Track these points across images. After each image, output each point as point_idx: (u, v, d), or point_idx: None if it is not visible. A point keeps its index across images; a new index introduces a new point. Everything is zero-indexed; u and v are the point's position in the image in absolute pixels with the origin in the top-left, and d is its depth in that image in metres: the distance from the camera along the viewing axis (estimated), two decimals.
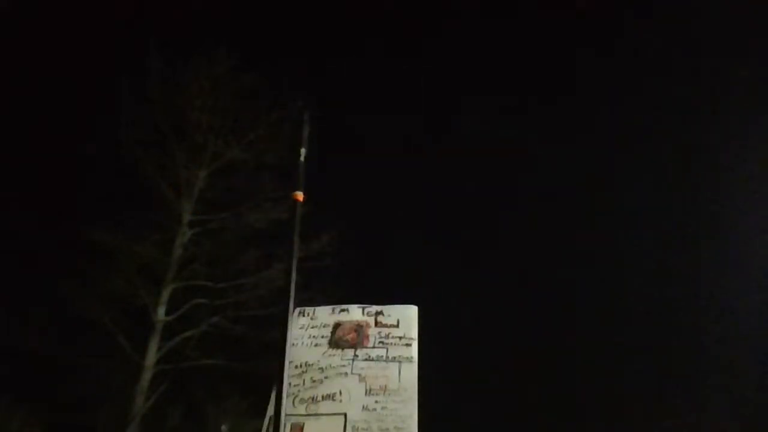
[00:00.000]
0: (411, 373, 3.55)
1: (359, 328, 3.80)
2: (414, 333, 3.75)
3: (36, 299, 12.28)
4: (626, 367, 20.34)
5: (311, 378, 3.59)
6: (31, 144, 14.29)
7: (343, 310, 3.93)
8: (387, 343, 3.70)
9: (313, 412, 3.44)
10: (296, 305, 3.49)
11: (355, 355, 3.66)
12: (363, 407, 3.41)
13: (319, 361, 3.67)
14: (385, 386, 3.48)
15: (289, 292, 3.07)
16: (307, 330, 3.84)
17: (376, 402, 3.42)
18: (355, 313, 3.90)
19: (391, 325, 3.79)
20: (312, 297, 11.37)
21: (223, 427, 13.82)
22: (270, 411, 3.27)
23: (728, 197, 19.67)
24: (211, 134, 13.42)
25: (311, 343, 3.78)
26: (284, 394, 2.85)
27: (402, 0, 29.04)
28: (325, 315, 3.93)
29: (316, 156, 3.84)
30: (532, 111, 27.54)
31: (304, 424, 3.40)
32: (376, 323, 3.82)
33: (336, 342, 3.76)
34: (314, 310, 3.98)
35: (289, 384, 3.43)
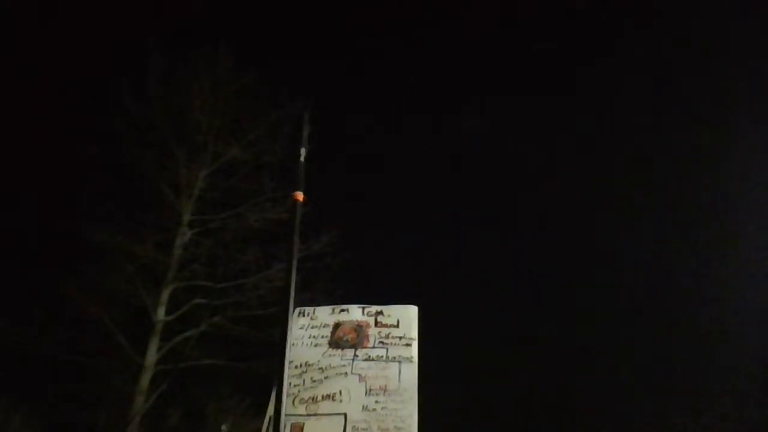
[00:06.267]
0: (411, 373, 3.55)
1: (359, 328, 3.80)
2: (414, 333, 3.75)
3: (36, 299, 12.27)
4: (627, 367, 20.34)
5: (311, 378, 3.59)
6: (31, 144, 14.30)
7: (343, 310, 3.93)
8: (387, 343, 3.70)
9: (313, 412, 3.44)
10: (296, 305, 3.49)
11: (355, 355, 3.66)
12: (363, 407, 3.41)
13: (319, 361, 3.67)
14: (385, 386, 3.48)
15: (289, 292, 3.08)
16: (307, 330, 3.84)
17: (376, 402, 3.42)
18: (355, 313, 3.90)
19: (391, 325, 3.79)
20: (312, 297, 11.40)
21: (223, 427, 13.80)
22: (270, 411, 3.27)
23: (729, 198, 19.67)
24: (211, 134, 13.41)
25: (311, 343, 3.78)
26: (284, 394, 2.85)
27: (403, 0, 29.07)
28: (325, 315, 3.93)
29: (316, 156, 3.84)
30: (532, 111, 27.54)
31: (304, 424, 3.40)
32: (376, 323, 3.82)
33: (336, 342, 3.76)
34: (314, 310, 3.98)
35: (289, 384, 3.43)
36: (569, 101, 27.43)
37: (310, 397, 3.50)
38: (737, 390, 17.84)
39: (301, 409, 3.46)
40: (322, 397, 3.49)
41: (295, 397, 3.51)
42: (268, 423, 3.34)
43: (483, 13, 27.55)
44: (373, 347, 3.69)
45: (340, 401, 3.46)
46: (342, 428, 3.34)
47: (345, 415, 3.39)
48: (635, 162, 25.73)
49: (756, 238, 18.24)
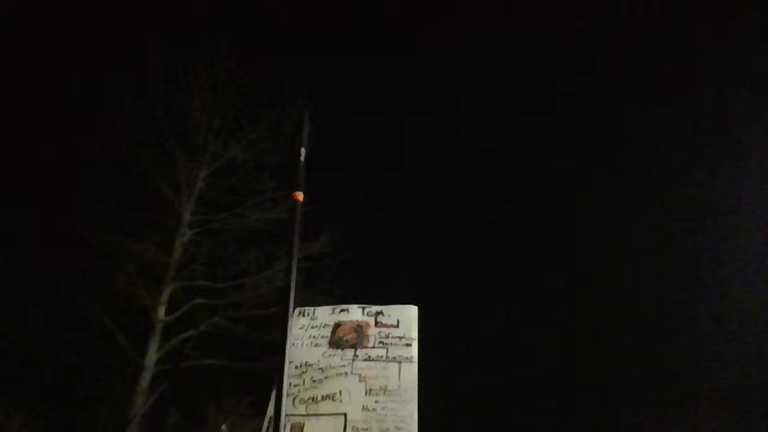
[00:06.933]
0: (411, 373, 3.54)
1: (359, 328, 3.80)
2: (414, 333, 3.74)
3: (36, 299, 12.27)
4: (627, 367, 20.34)
5: (311, 378, 3.59)
6: (31, 143, 14.29)
7: (343, 310, 3.93)
8: (387, 343, 3.69)
9: (313, 412, 3.44)
10: (296, 305, 3.49)
11: (355, 355, 3.65)
12: (363, 407, 3.41)
13: (319, 361, 3.67)
14: (385, 386, 3.48)
15: (289, 292, 3.07)
16: (307, 330, 3.84)
17: (376, 402, 3.42)
18: (355, 313, 3.90)
19: (391, 325, 3.78)
20: (312, 297, 11.40)
21: (223, 427, 13.81)
22: (270, 411, 3.27)
23: (730, 198, 19.67)
24: (211, 134, 13.42)
25: (311, 343, 3.77)
26: (284, 394, 2.85)
27: (403, 0, 29.08)
28: (325, 315, 3.92)
29: (316, 156, 3.83)
30: (532, 111, 27.54)
31: (304, 424, 3.40)
32: (376, 323, 3.81)
33: (336, 342, 3.76)
34: (314, 310, 3.98)
35: (289, 384, 3.43)
36: (569, 101, 27.44)
37: (310, 397, 3.50)
38: (736, 390, 17.84)
39: (301, 409, 3.46)
40: (322, 397, 3.49)
41: (295, 397, 3.51)
42: (268, 423, 3.34)
43: (483, 13, 27.55)
44: (373, 347, 3.69)
45: (340, 401, 3.46)
46: (342, 428, 3.34)
47: (345, 415, 3.39)
48: (635, 162, 25.73)
49: (756, 237, 18.23)
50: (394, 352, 3.64)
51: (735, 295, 18.74)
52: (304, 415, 3.43)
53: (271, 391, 3.12)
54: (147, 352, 12.03)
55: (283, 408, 2.83)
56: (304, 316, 3.93)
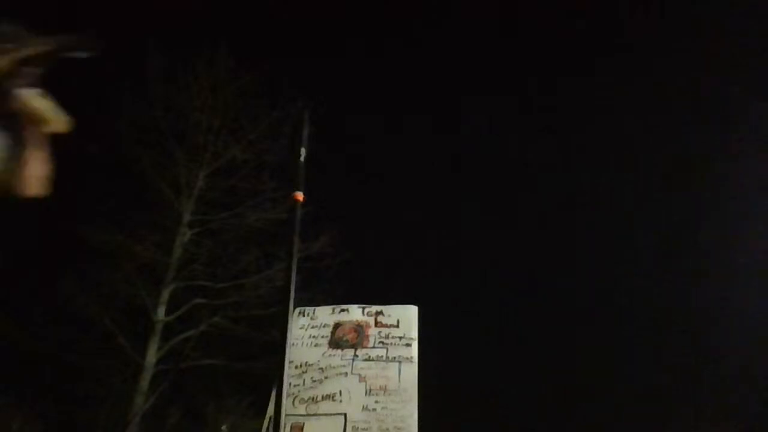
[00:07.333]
0: (411, 373, 3.54)
1: (359, 328, 3.80)
2: (414, 333, 3.74)
3: (36, 299, 12.26)
4: (627, 366, 20.34)
5: (311, 378, 3.59)
6: None
7: (343, 310, 3.93)
8: (387, 343, 3.69)
9: (313, 412, 3.44)
10: (296, 305, 3.48)
11: (355, 355, 3.65)
12: (363, 407, 3.41)
13: (319, 361, 3.67)
14: (385, 386, 3.48)
15: (289, 292, 3.07)
16: (307, 330, 3.84)
17: (376, 402, 3.42)
18: (355, 313, 3.90)
19: (391, 325, 3.78)
20: (312, 297, 11.40)
21: (223, 427, 13.82)
22: (270, 411, 3.27)
23: (731, 200, 19.67)
24: (211, 134, 13.41)
25: (311, 343, 3.77)
26: (284, 394, 2.85)
27: (403, 0, 29.08)
28: (325, 315, 3.92)
29: (316, 156, 3.83)
30: (532, 111, 27.52)
31: (304, 424, 3.40)
32: (376, 323, 3.81)
33: (336, 342, 3.76)
34: (314, 310, 3.98)
35: (289, 384, 3.43)
36: (569, 101, 27.43)
37: (310, 397, 3.50)
38: (736, 390, 17.83)
39: (301, 409, 3.46)
40: (322, 397, 3.49)
41: (295, 397, 3.50)
42: (268, 423, 3.34)
43: (483, 12, 27.56)
44: (373, 347, 3.68)
45: (340, 401, 3.45)
46: (342, 428, 3.34)
47: (345, 415, 3.39)
48: (635, 162, 25.73)
49: (757, 237, 18.24)
50: (394, 352, 3.64)
51: (735, 294, 18.73)
52: (304, 415, 3.43)
53: (271, 391, 3.12)
54: (147, 352, 12.03)
55: (283, 408, 2.82)
56: (304, 316, 3.93)
